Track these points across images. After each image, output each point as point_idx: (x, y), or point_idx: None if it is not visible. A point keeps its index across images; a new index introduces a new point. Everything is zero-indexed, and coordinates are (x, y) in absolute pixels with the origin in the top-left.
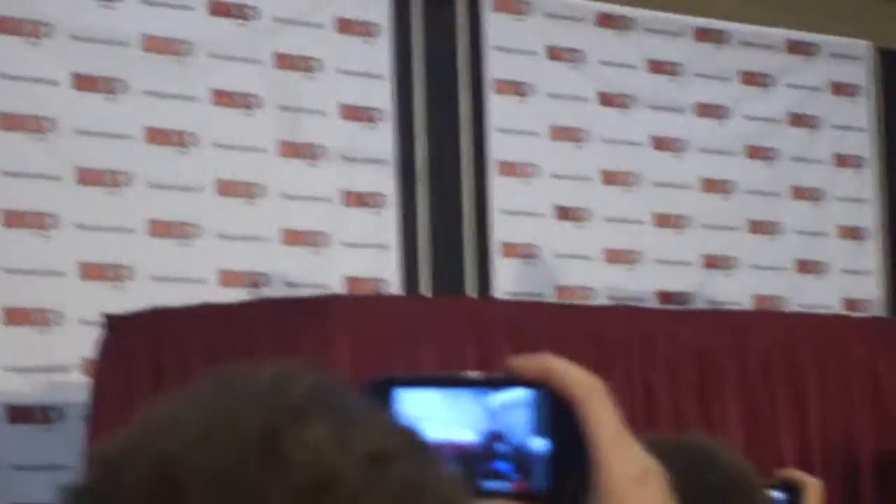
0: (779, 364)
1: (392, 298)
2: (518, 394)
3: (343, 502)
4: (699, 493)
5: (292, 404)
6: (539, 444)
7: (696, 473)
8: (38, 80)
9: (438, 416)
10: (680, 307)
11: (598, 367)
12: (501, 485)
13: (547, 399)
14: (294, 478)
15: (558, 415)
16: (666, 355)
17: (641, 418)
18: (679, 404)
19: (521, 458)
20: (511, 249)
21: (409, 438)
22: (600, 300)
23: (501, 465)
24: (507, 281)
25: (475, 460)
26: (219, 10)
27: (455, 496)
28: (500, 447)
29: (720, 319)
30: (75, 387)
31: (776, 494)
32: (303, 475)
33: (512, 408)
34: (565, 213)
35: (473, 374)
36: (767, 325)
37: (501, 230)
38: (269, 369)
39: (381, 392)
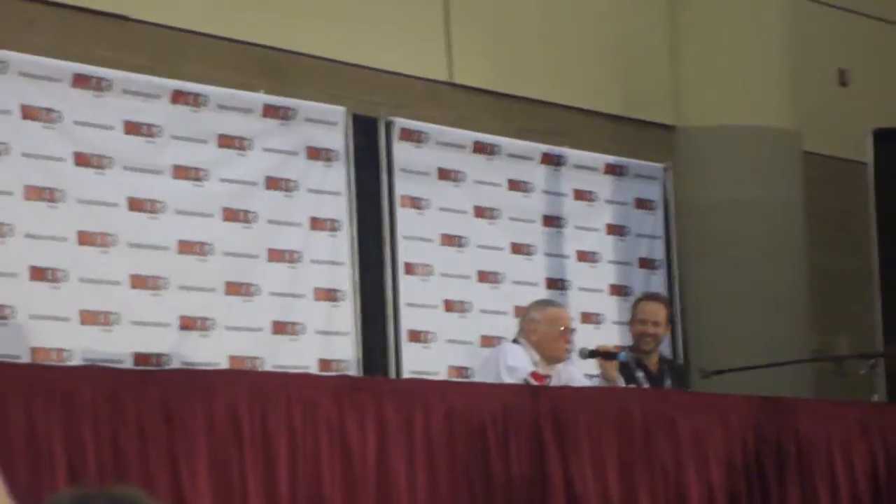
0: (247, 422)
1: None
2: None
3: None
4: None
5: None
6: None
7: None
8: None
9: None
10: (150, 367)
11: (66, 427)
12: None
13: None
14: None
15: None
16: (135, 415)
17: (111, 477)
18: (148, 463)
19: None
20: None
21: None
22: (76, 362)
23: None
24: None
25: None
26: None
27: None
28: None
29: (188, 378)
30: None
31: None
32: None
33: None
34: (40, 274)
35: None
36: (236, 383)
37: None
38: None
39: None
